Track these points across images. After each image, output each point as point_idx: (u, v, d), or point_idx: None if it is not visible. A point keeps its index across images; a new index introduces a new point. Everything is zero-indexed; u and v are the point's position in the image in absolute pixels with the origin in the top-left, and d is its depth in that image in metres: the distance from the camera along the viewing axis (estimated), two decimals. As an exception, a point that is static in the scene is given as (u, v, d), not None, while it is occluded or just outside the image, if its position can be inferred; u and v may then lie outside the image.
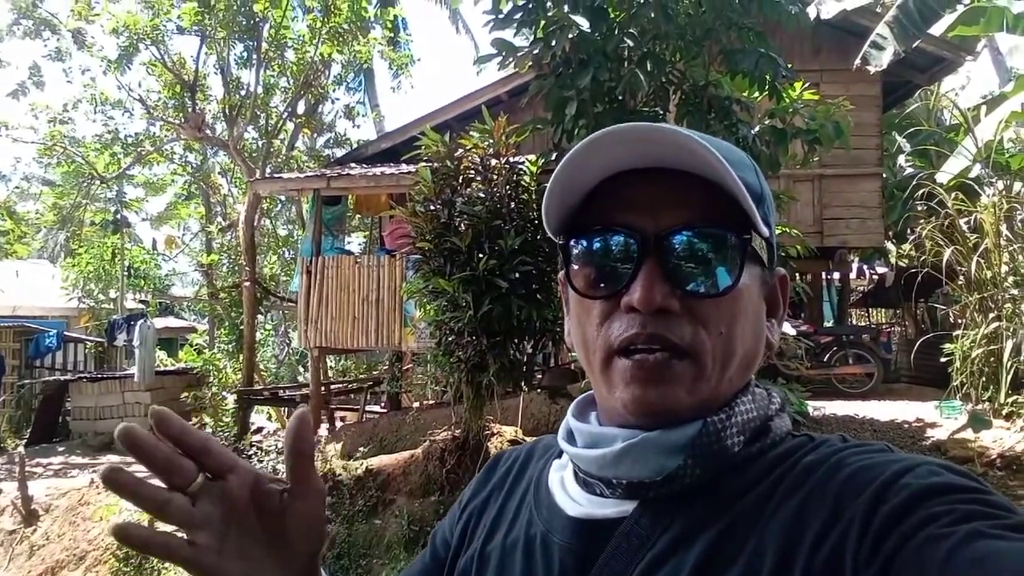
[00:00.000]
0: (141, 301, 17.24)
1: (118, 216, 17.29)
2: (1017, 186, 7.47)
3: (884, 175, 10.13)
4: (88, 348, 15.07)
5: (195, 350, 12.54)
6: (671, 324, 0.63)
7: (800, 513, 0.58)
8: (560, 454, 0.77)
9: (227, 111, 11.99)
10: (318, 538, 0.63)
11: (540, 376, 7.14)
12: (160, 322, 16.02)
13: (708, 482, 0.63)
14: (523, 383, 6.05)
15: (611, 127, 0.63)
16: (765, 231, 0.66)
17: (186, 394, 9.55)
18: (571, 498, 0.71)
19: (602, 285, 0.67)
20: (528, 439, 5.21)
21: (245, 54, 12.48)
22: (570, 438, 0.72)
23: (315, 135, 15.70)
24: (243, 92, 12.23)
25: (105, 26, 11.63)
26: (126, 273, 16.38)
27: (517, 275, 5.48)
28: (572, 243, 0.69)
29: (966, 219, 6.91)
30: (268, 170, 11.80)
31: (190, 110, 11.87)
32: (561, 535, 0.68)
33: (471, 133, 5.95)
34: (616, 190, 0.67)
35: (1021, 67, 14.35)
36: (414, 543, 5.67)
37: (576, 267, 0.69)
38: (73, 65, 12.73)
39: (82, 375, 12.87)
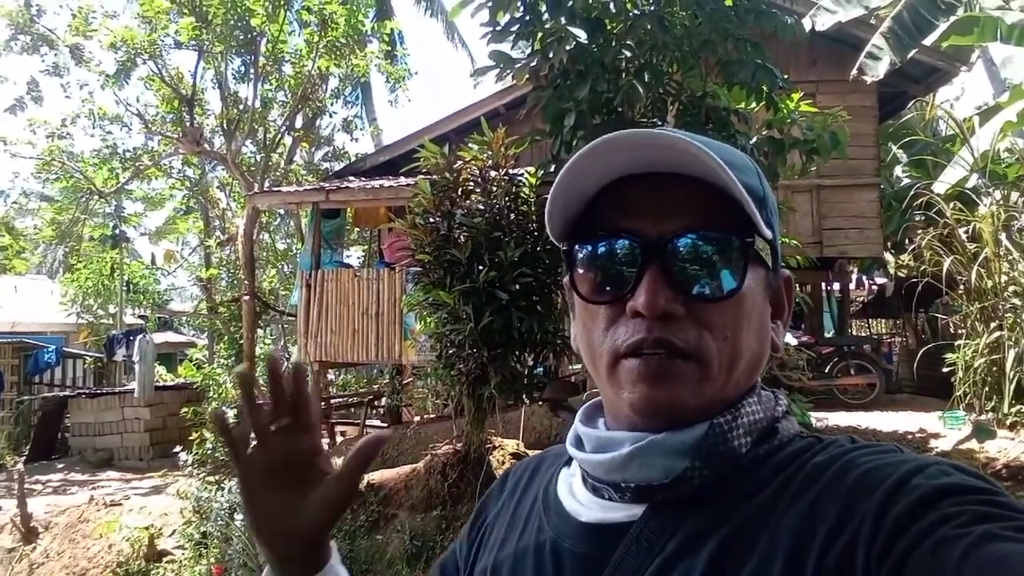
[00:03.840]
0: (140, 316, 17.21)
1: (117, 231, 17.28)
2: (1014, 196, 7.49)
3: (881, 186, 10.15)
4: (87, 364, 15.04)
5: (194, 365, 12.49)
6: (676, 329, 0.64)
7: (810, 514, 0.58)
8: (569, 462, 0.77)
9: (225, 125, 12.02)
10: (329, 522, 0.73)
11: (541, 388, 7.12)
12: (159, 337, 15.98)
13: (716, 484, 0.64)
14: (524, 395, 6.03)
15: (612, 134, 0.64)
16: (768, 233, 0.66)
17: (186, 409, 9.50)
18: (580, 503, 0.71)
19: (607, 290, 0.67)
20: (530, 452, 5.19)
21: (243, 68, 12.52)
22: (578, 443, 0.73)
23: (313, 149, 15.72)
24: (241, 106, 12.26)
25: (103, 41, 11.67)
26: (125, 288, 16.35)
27: (517, 287, 5.47)
28: (576, 249, 0.70)
29: (965, 228, 6.91)
30: (267, 184, 11.81)
31: (188, 124, 11.89)
32: (571, 541, 0.69)
33: (470, 145, 5.96)
34: (618, 195, 0.67)
35: (1015, 78, 14.39)
36: (416, 558, 5.63)
37: (580, 272, 0.69)
38: (71, 80, 12.70)
39: (81, 391, 12.83)
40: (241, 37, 11.61)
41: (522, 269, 5.46)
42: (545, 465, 0.82)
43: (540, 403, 6.99)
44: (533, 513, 0.76)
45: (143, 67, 11.91)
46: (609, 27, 5.75)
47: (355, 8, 11.55)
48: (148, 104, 12.84)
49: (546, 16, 5.68)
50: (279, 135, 12.86)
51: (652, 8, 5.72)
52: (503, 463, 5.86)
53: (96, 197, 14.59)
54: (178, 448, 8.35)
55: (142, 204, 19.01)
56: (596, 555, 0.66)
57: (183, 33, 11.35)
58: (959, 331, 7.22)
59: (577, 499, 0.72)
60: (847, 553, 0.54)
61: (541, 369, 6.68)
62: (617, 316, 0.66)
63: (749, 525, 0.60)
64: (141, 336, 11.62)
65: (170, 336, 19.41)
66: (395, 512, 6.20)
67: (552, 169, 6.06)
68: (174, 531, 6.95)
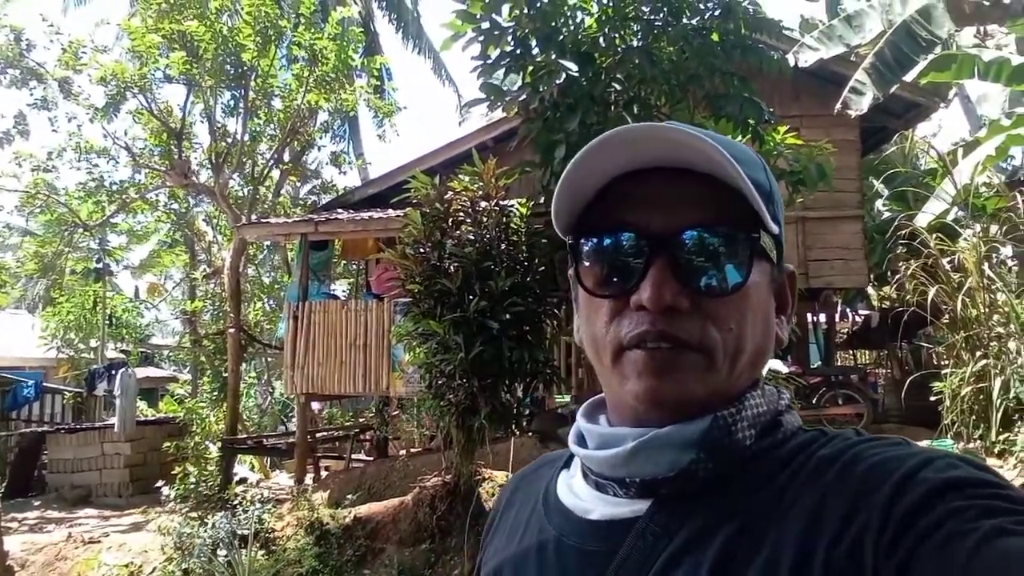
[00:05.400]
0: (122, 350, 16.99)
1: (100, 264, 17.13)
2: (993, 228, 7.61)
3: (864, 218, 10.30)
4: (66, 399, 14.76)
5: (176, 400, 12.31)
6: (680, 322, 0.64)
7: (818, 508, 0.57)
8: (568, 464, 0.77)
9: (213, 158, 12.02)
10: None
11: (530, 420, 7.07)
12: (140, 372, 15.73)
13: (721, 477, 0.63)
14: (514, 426, 5.99)
15: (620, 127, 0.64)
16: (774, 228, 0.67)
17: (168, 444, 9.33)
18: (583, 501, 0.70)
19: (612, 283, 0.67)
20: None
21: (232, 102, 12.56)
22: (581, 441, 0.72)
23: (300, 183, 15.74)
24: (230, 140, 12.28)
25: (92, 75, 11.69)
26: (107, 322, 16.16)
27: (508, 316, 5.47)
28: (582, 242, 0.70)
29: (948, 259, 7.01)
30: (254, 217, 11.79)
31: (176, 158, 11.89)
32: (576, 538, 0.68)
33: (460, 176, 6.00)
34: (625, 189, 0.67)
35: (991, 115, 14.77)
36: (405, 593, 5.52)
37: (586, 266, 0.69)
38: (59, 114, 12.68)
39: (60, 426, 12.56)
40: (231, 72, 11.68)
41: (513, 299, 5.47)
42: (543, 470, 0.82)
43: (529, 434, 6.94)
44: (533, 516, 0.75)
45: (132, 101, 11.92)
46: (598, 61, 5.86)
47: (344, 44, 11.67)
48: (136, 137, 12.83)
49: (536, 50, 5.78)
50: (267, 168, 12.87)
51: (641, 43, 5.84)
52: (493, 495, 5.79)
53: (80, 230, 14.48)
54: (160, 483, 8.16)
55: (126, 237, 18.91)
56: (602, 551, 0.65)
57: (173, 67, 11.37)
58: (942, 361, 7.27)
59: (579, 497, 0.71)
60: (856, 546, 0.54)
61: (529, 400, 6.64)
62: (621, 309, 0.66)
63: (756, 519, 0.60)
64: (123, 370, 11.43)
65: (151, 371, 19.12)
66: (383, 546, 6.09)
67: (542, 200, 6.11)
68: (155, 568, 6.77)
